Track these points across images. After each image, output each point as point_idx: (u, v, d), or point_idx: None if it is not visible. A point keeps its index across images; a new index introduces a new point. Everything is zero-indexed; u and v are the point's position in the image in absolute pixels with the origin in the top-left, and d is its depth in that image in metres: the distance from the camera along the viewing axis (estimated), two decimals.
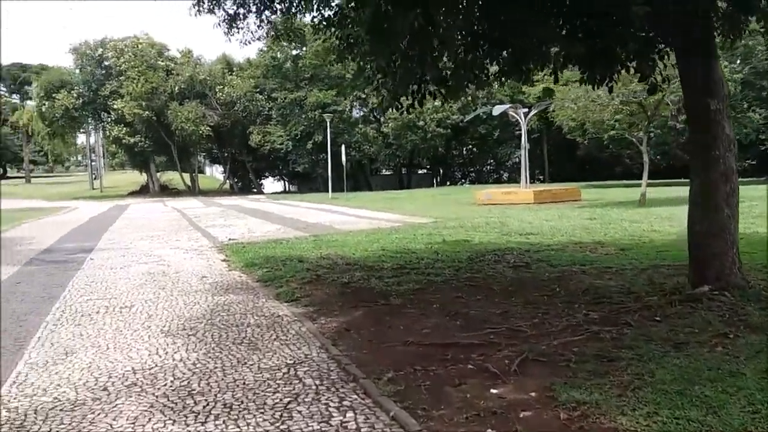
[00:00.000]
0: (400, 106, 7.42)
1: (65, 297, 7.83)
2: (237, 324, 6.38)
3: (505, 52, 6.09)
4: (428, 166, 63.22)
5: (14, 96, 76.06)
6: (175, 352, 5.43)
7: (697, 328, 5.22)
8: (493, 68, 6.57)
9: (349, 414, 3.97)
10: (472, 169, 66.05)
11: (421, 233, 14.21)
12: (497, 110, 28.63)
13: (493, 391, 4.24)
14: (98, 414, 4.09)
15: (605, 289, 7.10)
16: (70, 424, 3.95)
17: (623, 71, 5.92)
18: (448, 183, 60.90)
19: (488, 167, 65.93)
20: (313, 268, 9.41)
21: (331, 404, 4.15)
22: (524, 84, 8.57)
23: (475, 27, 5.76)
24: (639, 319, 5.63)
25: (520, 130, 51.96)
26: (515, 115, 28.66)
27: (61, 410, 4.17)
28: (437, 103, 49.99)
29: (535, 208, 22.25)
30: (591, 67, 5.66)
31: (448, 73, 6.46)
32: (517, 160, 63.38)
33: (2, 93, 76.78)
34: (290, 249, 11.90)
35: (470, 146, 62.99)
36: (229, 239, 14.54)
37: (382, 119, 50.86)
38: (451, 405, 4.04)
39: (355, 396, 4.28)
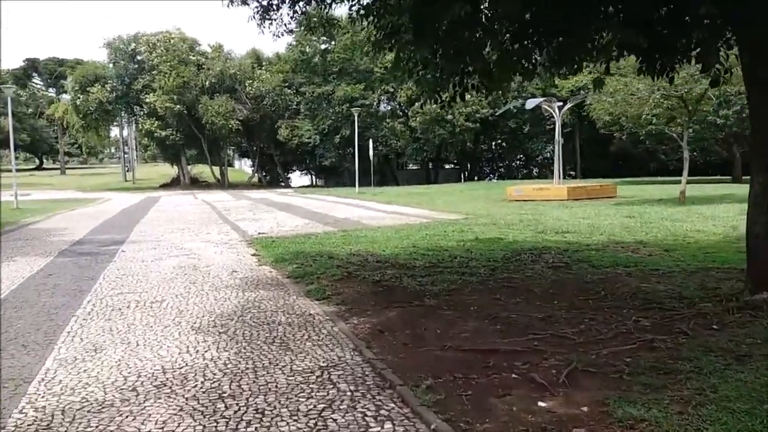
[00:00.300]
0: (439, 99, 7.09)
1: (96, 290, 7.74)
2: (268, 322, 6.20)
3: (555, 42, 5.74)
4: (456, 161, 62.71)
5: (51, 90, 77.40)
6: (206, 351, 5.26)
7: (759, 338, 4.87)
8: (541, 58, 6.22)
9: (388, 425, 3.75)
10: (500, 165, 65.36)
11: (452, 230, 13.92)
12: (531, 104, 28.11)
13: (541, 404, 3.96)
14: (126, 417, 3.92)
15: (654, 293, 6.75)
16: (96, 427, 3.79)
17: (685, 61, 5.54)
18: (476, 178, 60.26)
19: (517, 162, 65.14)
20: (344, 265, 9.21)
21: (368, 413, 3.93)
22: (573, 74, 8.17)
23: (525, 15, 5.43)
24: (694, 327, 5.29)
25: (552, 124, 51.27)
26: (549, 109, 28.12)
27: (88, 411, 4.02)
28: (467, 95, 50.01)
29: (569, 205, 21.76)
30: (650, 57, 5.30)
31: (492, 63, 6.14)
32: (548, 155, 62.66)
33: (39, 87, 78.27)
34: (320, 244, 11.73)
35: (499, 141, 62.36)
36: (259, 233, 14.43)
37: (409, 113, 50.52)
38: (496, 419, 3.78)
39: (393, 405, 4.06)
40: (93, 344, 5.44)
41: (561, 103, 28.51)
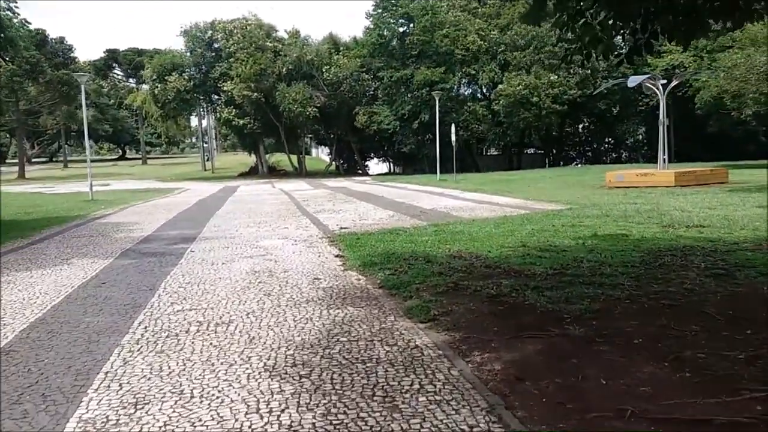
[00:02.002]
0: (610, 55, 5.18)
1: (152, 305, 6.46)
2: (363, 358, 4.69)
3: None
4: (540, 146, 59.79)
5: (131, 80, 79.31)
6: (283, 410, 3.79)
7: None
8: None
9: None
10: (588, 149, 61.93)
11: (561, 223, 12.07)
12: (633, 81, 25.47)
13: None
14: None
15: None
16: None
17: None
18: (561, 164, 57.18)
19: (606, 146, 61.60)
20: (446, 272, 7.60)
21: None
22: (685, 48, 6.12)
23: None
24: None
25: (645, 105, 47.88)
26: (652, 87, 25.41)
27: None
28: (554, 76, 46.76)
29: (679, 192, 19.32)
30: None
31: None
32: (640, 137, 58.87)
33: (120, 77, 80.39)
34: (411, 243, 10.16)
35: (586, 124, 59.00)
36: (341, 228, 13.04)
37: (492, 96, 48.19)
38: None
39: None
40: (134, 395, 4.06)
41: (665, 81, 25.72)
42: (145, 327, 5.64)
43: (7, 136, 74.22)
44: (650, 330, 5.10)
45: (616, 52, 5.05)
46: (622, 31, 4.67)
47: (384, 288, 7.05)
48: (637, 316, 5.49)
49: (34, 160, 79.40)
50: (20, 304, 6.63)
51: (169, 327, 5.63)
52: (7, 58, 49.89)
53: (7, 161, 77.07)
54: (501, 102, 45.78)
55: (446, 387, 4.12)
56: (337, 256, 9.43)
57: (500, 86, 46.19)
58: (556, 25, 4.80)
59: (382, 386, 4.14)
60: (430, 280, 7.15)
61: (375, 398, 3.95)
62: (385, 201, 20.68)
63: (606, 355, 4.58)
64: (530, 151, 61.00)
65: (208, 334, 5.39)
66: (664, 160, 25.62)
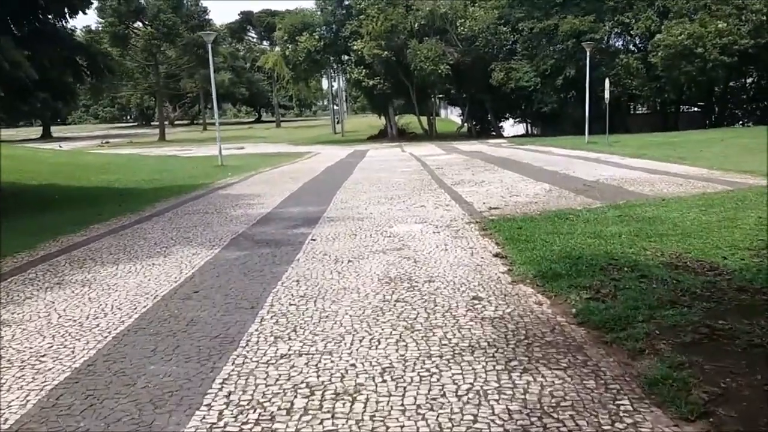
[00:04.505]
0: None
1: (248, 343, 4.45)
2: None
3: None
4: (701, 104, 53.03)
5: (265, 42, 80.00)
6: None
7: None
8: None
9: None
10: (755, 106, 54.22)
11: None
12: None
13: None
14: None
15: None
16: None
17: None
18: (725, 123, 50.41)
19: None
20: (679, 298, 5.01)
21: None
22: None
23: None
24: None
25: None
26: None
27: None
28: (722, 24, 40.73)
29: None
30: None
31: None
32: None
33: (254, 40, 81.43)
34: (596, 237, 7.54)
35: (755, 78, 51.49)
36: (489, 208, 10.61)
37: (648, 47, 42.79)
38: None
39: None
40: None
41: None
42: (228, 394, 3.61)
43: (151, 99, 77.66)
44: None
45: None
46: None
47: (587, 325, 4.60)
48: None
49: (176, 122, 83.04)
50: (73, 335, 4.84)
51: (263, 397, 3.56)
52: (146, 21, 51.54)
53: (151, 123, 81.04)
54: (659, 54, 40.46)
55: None
56: (496, 255, 7.03)
57: (658, 36, 40.81)
58: None
59: None
60: (661, 315, 4.61)
61: None
62: (533, 169, 17.86)
63: None
64: (687, 109, 54.41)
65: (320, 419, 3.26)
66: None
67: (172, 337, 4.59)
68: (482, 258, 6.92)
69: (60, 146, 42.38)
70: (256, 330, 4.69)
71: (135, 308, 5.36)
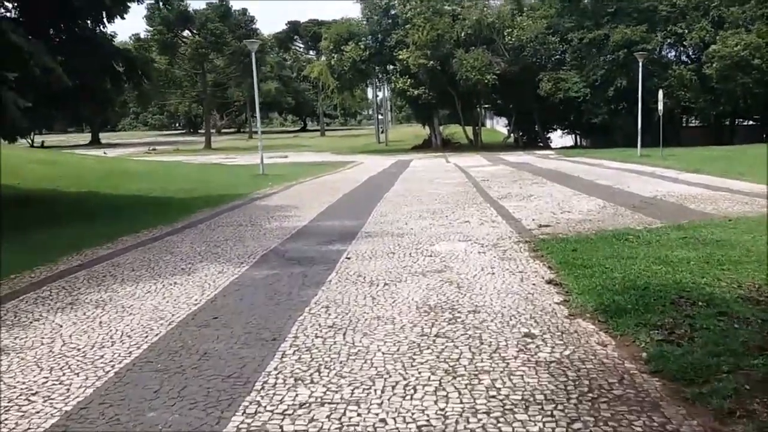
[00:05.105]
0: None
1: (262, 388, 3.86)
2: None
3: None
4: (757, 117, 50.72)
5: (311, 52, 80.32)
6: None
7: None
8: None
9: None
10: None
11: None
12: None
13: None
14: None
15: None
16: None
17: None
18: None
19: None
20: (766, 343, 4.24)
21: None
22: None
23: None
24: None
25: None
26: None
27: None
28: None
29: None
30: None
31: None
32: None
33: (301, 50, 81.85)
34: (662, 263, 6.74)
35: None
36: (539, 225, 9.88)
37: (702, 58, 41.13)
38: None
39: None
40: None
41: None
42: None
43: (199, 107, 78.86)
44: None
45: None
46: None
47: (661, 376, 3.88)
48: None
49: (223, 130, 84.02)
50: (73, 367, 4.34)
51: None
52: (194, 30, 52.14)
53: (199, 131, 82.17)
54: (714, 65, 38.83)
55: None
56: (549, 282, 6.31)
57: (713, 47, 39.21)
58: None
59: None
60: (749, 365, 3.86)
61: None
62: (584, 183, 16.96)
63: None
64: (742, 122, 52.12)
65: None
66: None
67: (180, 375, 4.05)
68: (534, 285, 6.22)
69: (104, 153, 43.05)
70: (275, 369, 4.11)
71: (146, 336, 4.86)
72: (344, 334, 4.77)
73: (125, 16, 12.00)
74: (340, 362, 4.21)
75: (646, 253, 7.27)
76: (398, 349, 4.43)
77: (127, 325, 5.15)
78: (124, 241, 9.29)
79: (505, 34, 42.96)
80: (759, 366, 3.87)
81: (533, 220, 10.51)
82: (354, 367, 4.12)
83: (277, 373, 4.04)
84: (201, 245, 8.84)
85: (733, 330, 4.51)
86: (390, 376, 3.95)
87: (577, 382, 3.82)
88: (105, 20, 12.13)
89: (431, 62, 42.13)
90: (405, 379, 3.91)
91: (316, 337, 4.73)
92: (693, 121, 54.32)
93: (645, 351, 4.27)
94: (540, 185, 16.83)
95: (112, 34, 14.18)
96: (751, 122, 51.85)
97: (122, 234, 9.79)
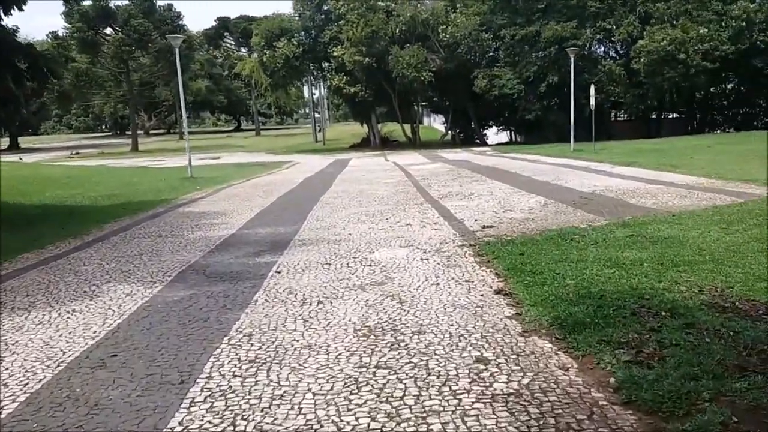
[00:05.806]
0: None
1: None
2: None
3: None
4: (683, 110, 52.47)
5: (242, 49, 78.27)
6: None
7: None
8: None
9: None
10: (735, 112, 53.75)
11: None
12: None
13: None
14: None
15: None
16: None
17: None
18: (706, 130, 49.87)
19: (756, 110, 53.18)
20: (741, 358, 3.82)
21: None
22: None
23: None
24: None
25: None
26: None
27: None
28: (703, 30, 40.34)
29: None
30: None
31: None
32: None
33: (231, 47, 79.71)
34: (614, 266, 6.32)
35: (735, 84, 51.02)
36: (483, 226, 9.41)
37: (630, 53, 42.09)
38: None
39: None
40: None
41: None
42: None
43: (126, 108, 75.79)
44: None
45: None
46: None
47: (635, 407, 3.37)
48: None
49: (152, 132, 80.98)
50: None
51: None
52: (117, 27, 49.80)
53: (126, 133, 78.92)
54: (642, 60, 39.81)
55: None
56: (498, 292, 5.78)
57: (640, 42, 40.19)
58: None
59: None
60: (731, 390, 3.40)
61: None
62: (523, 180, 16.72)
63: None
64: (668, 115, 53.88)
65: None
66: None
67: None
68: (482, 296, 5.67)
69: (20, 158, 40.40)
70: (180, 423, 3.37)
71: (26, 384, 4.01)
72: (268, 371, 4.07)
73: (24, 7, 10.84)
74: (261, 410, 3.51)
75: (595, 255, 6.85)
76: (332, 388, 3.77)
77: (6, 369, 4.29)
78: (24, 260, 8.24)
79: (440, 30, 42.83)
80: (743, 391, 3.41)
81: (476, 220, 10.04)
82: (278, 415, 3.43)
83: (182, 430, 3.31)
84: (111, 262, 7.89)
85: (705, 345, 4.06)
86: (321, 427, 3.29)
87: (541, 422, 3.26)
88: (1, 12, 10.96)
89: (367, 59, 41.53)
90: (339, 429, 3.26)
91: (234, 376, 4.00)
92: (621, 115, 55.76)
93: (612, 375, 3.76)
94: (480, 183, 16.48)
95: (14, 28, 12.93)
96: (676, 115, 53.67)
97: (24, 250, 8.73)
